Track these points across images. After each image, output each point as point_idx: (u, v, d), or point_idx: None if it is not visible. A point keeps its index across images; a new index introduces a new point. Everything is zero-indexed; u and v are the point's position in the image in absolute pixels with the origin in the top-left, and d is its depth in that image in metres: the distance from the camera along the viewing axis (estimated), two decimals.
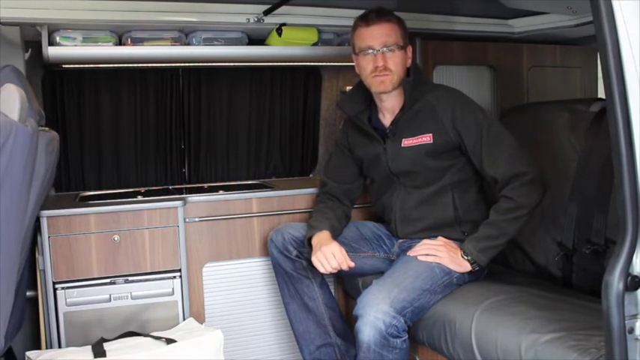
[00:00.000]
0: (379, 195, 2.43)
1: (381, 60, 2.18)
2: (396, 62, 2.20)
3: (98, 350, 2.08)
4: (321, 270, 2.18)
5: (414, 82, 2.24)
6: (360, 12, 2.28)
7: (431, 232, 2.25)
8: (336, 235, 2.29)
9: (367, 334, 1.90)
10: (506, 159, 2.13)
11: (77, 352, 2.11)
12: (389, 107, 2.30)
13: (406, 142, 2.26)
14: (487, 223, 2.14)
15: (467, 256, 2.12)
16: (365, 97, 2.36)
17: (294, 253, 2.34)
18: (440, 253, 2.11)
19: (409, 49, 2.28)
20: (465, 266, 2.12)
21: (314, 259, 2.18)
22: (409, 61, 2.27)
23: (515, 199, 2.08)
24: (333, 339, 2.39)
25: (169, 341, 2.12)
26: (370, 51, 2.20)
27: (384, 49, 2.18)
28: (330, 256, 2.16)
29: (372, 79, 2.22)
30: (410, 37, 2.85)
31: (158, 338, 2.17)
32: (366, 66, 2.22)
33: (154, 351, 2.07)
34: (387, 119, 2.33)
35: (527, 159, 2.14)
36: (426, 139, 2.22)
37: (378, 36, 2.19)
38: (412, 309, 1.98)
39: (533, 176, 2.10)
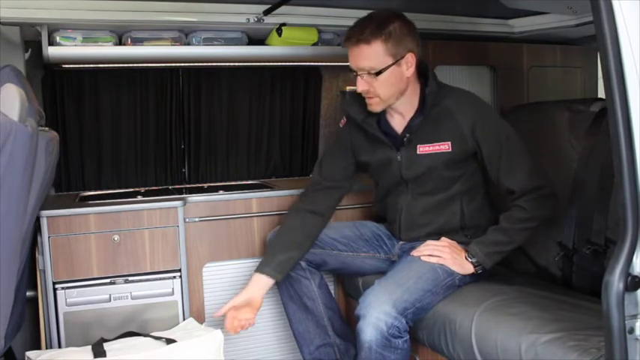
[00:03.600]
0: (384, 195, 2.39)
1: (362, 85, 2.09)
2: (381, 84, 2.08)
3: (98, 350, 2.08)
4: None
5: (436, 86, 2.16)
6: (361, 12, 2.26)
7: (435, 236, 2.22)
8: (283, 272, 2.25)
9: (369, 335, 1.90)
10: (526, 172, 2.10)
11: (77, 352, 2.11)
12: (399, 111, 2.22)
13: (422, 150, 2.18)
14: (497, 229, 2.12)
15: (472, 258, 2.11)
16: None
17: None
18: (443, 254, 2.10)
19: (409, 57, 2.09)
20: (468, 268, 2.11)
21: (227, 318, 2.19)
22: (410, 70, 2.11)
23: (530, 211, 2.08)
24: (332, 339, 2.38)
25: (169, 341, 2.12)
26: (353, 72, 2.12)
27: (363, 74, 2.08)
28: (235, 321, 2.17)
29: (365, 99, 2.15)
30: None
31: (158, 338, 2.16)
32: (357, 85, 2.13)
33: (154, 351, 2.07)
34: (397, 122, 2.24)
35: (543, 171, 2.13)
36: (445, 147, 2.16)
37: (354, 59, 2.08)
38: (414, 310, 1.98)
39: (551, 190, 2.10)
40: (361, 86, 2.09)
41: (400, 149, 2.23)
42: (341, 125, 2.43)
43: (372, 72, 2.07)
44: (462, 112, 2.15)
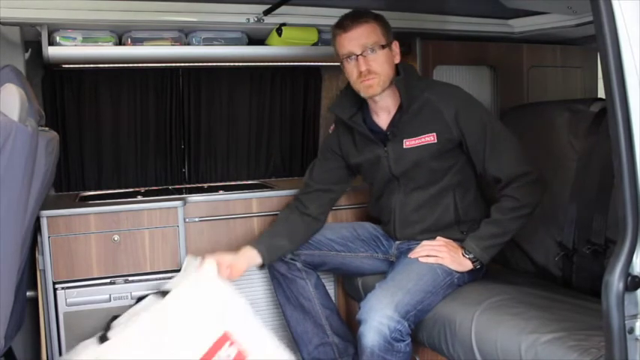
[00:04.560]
0: (377, 196, 2.39)
1: (364, 64, 2.11)
2: (380, 62, 2.13)
3: (104, 335, 1.96)
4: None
5: (407, 79, 2.19)
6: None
7: (430, 233, 2.23)
8: (272, 257, 2.25)
9: (371, 339, 1.90)
10: (510, 159, 2.12)
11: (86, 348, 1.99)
12: (384, 107, 2.24)
13: (408, 143, 2.21)
14: (490, 222, 2.13)
15: (469, 254, 2.11)
16: (356, 99, 2.27)
17: (288, 255, 2.33)
18: (441, 254, 2.11)
19: (395, 45, 2.20)
20: (466, 265, 2.11)
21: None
22: (397, 57, 2.20)
23: (519, 199, 2.08)
24: (330, 338, 2.38)
25: (164, 293, 2.00)
26: (352, 57, 2.13)
27: (366, 52, 2.11)
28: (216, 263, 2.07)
29: (360, 85, 2.15)
30: (409, 36, 2.84)
31: (157, 293, 2.04)
32: (351, 72, 2.16)
33: (154, 311, 1.94)
34: (382, 119, 2.26)
35: (527, 158, 2.14)
36: (430, 138, 2.18)
37: (356, 39, 2.12)
38: (415, 312, 1.98)
39: (536, 176, 2.11)
40: (362, 66, 2.11)
41: (387, 145, 2.25)
42: (330, 131, 2.46)
43: (377, 45, 2.12)
44: (444, 102, 2.17)
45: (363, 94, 2.18)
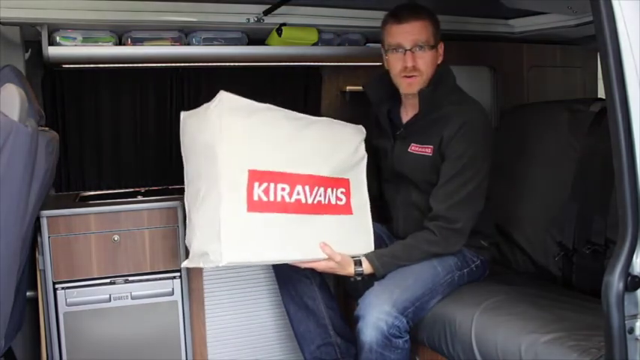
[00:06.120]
0: (384, 189, 2.41)
1: (411, 60, 2.11)
2: (426, 62, 2.13)
3: None
4: None
5: (442, 87, 2.18)
6: (361, 12, 2.27)
7: None
8: None
9: (369, 335, 1.90)
10: (453, 201, 2.07)
11: None
12: (413, 105, 2.24)
13: (413, 148, 2.21)
14: (400, 244, 2.13)
15: (361, 261, 2.07)
16: (391, 88, 2.28)
17: None
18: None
19: (441, 46, 2.20)
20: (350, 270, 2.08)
21: None
22: (440, 59, 2.21)
23: (438, 238, 2.07)
24: (333, 338, 2.38)
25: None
26: (400, 50, 2.13)
27: (415, 48, 2.11)
28: None
29: (401, 80, 2.16)
30: None
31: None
32: (395, 65, 2.15)
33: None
34: (408, 116, 2.27)
35: (472, 211, 2.10)
36: (428, 150, 2.17)
37: (409, 34, 2.11)
38: (414, 309, 1.98)
39: (462, 228, 2.08)
40: (409, 61, 2.11)
41: (395, 142, 2.27)
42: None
43: (428, 45, 2.12)
44: (453, 120, 2.12)
45: (402, 90, 2.21)
